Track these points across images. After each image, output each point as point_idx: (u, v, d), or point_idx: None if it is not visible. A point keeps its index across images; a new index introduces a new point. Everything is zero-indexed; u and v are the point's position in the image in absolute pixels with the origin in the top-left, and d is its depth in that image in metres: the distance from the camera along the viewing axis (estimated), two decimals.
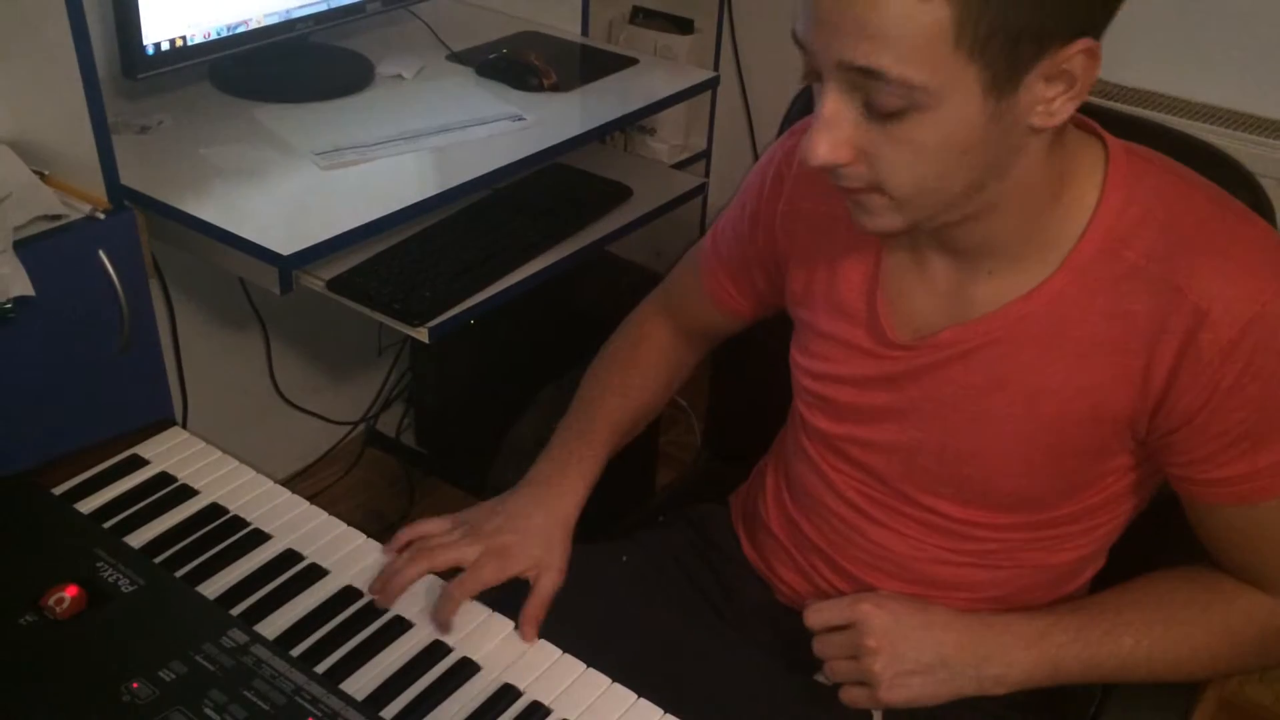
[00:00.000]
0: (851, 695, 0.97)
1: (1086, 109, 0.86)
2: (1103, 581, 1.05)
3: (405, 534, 1.05)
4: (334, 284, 1.44)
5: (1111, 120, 0.93)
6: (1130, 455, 0.94)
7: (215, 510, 1.04)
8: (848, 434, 1.04)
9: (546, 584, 1.03)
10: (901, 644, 0.94)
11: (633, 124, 2.15)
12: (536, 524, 1.07)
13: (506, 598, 1.00)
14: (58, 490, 1.04)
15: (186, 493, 1.06)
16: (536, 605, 0.99)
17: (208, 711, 0.82)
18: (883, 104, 0.77)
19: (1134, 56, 1.98)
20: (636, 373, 1.22)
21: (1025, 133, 0.81)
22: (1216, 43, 1.94)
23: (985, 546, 1.01)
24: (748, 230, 1.12)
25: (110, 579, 0.92)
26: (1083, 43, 0.76)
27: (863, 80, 0.77)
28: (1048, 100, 0.79)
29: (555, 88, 1.79)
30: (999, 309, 0.91)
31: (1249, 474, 0.88)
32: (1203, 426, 0.86)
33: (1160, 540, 0.97)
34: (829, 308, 1.03)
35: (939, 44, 0.74)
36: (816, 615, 0.98)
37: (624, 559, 1.19)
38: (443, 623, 0.95)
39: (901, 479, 1.02)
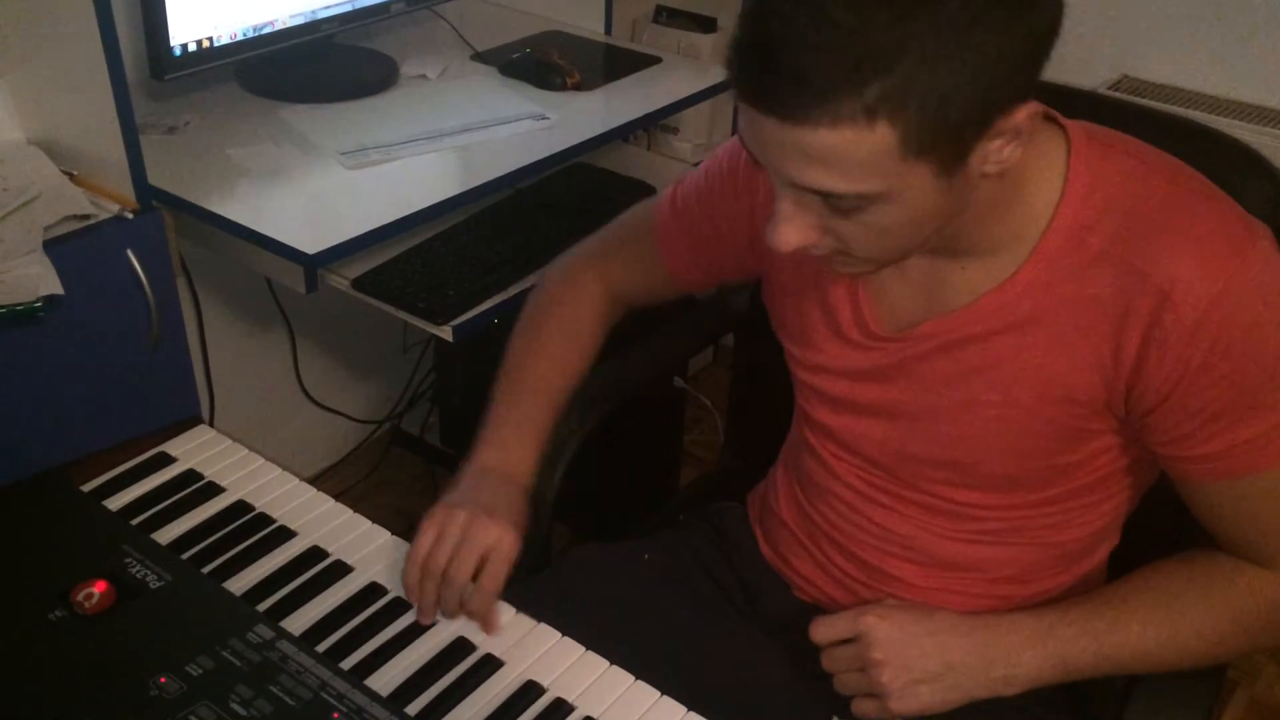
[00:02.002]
0: (863, 708, 0.97)
1: (1104, 103, 0.85)
2: (1122, 560, 1.05)
3: (411, 577, 0.98)
4: (359, 283, 1.45)
5: (1134, 116, 0.92)
6: (1116, 435, 0.94)
7: (241, 507, 1.05)
8: (845, 425, 1.05)
9: (509, 549, 0.99)
10: (908, 653, 0.94)
11: (656, 123, 2.15)
12: (510, 498, 1.04)
13: (530, 596, 1.00)
14: (86, 487, 1.05)
15: (213, 490, 1.07)
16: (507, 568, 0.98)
17: (234, 706, 0.83)
18: (840, 205, 0.80)
19: (1158, 52, 1.96)
20: (574, 342, 1.19)
21: (978, 180, 0.82)
22: (1241, 38, 1.92)
23: (987, 525, 1.02)
24: (722, 204, 1.11)
25: (138, 575, 0.93)
26: (1024, 108, 0.77)
27: (816, 192, 0.79)
28: (996, 151, 0.79)
29: (578, 87, 1.79)
30: (974, 301, 0.92)
31: (1228, 449, 0.88)
32: (1177, 405, 0.87)
33: (1180, 519, 0.97)
34: (817, 301, 1.03)
35: (886, 159, 0.75)
36: (821, 630, 0.98)
37: (646, 557, 1.19)
38: (492, 624, 0.95)
39: (897, 465, 1.03)
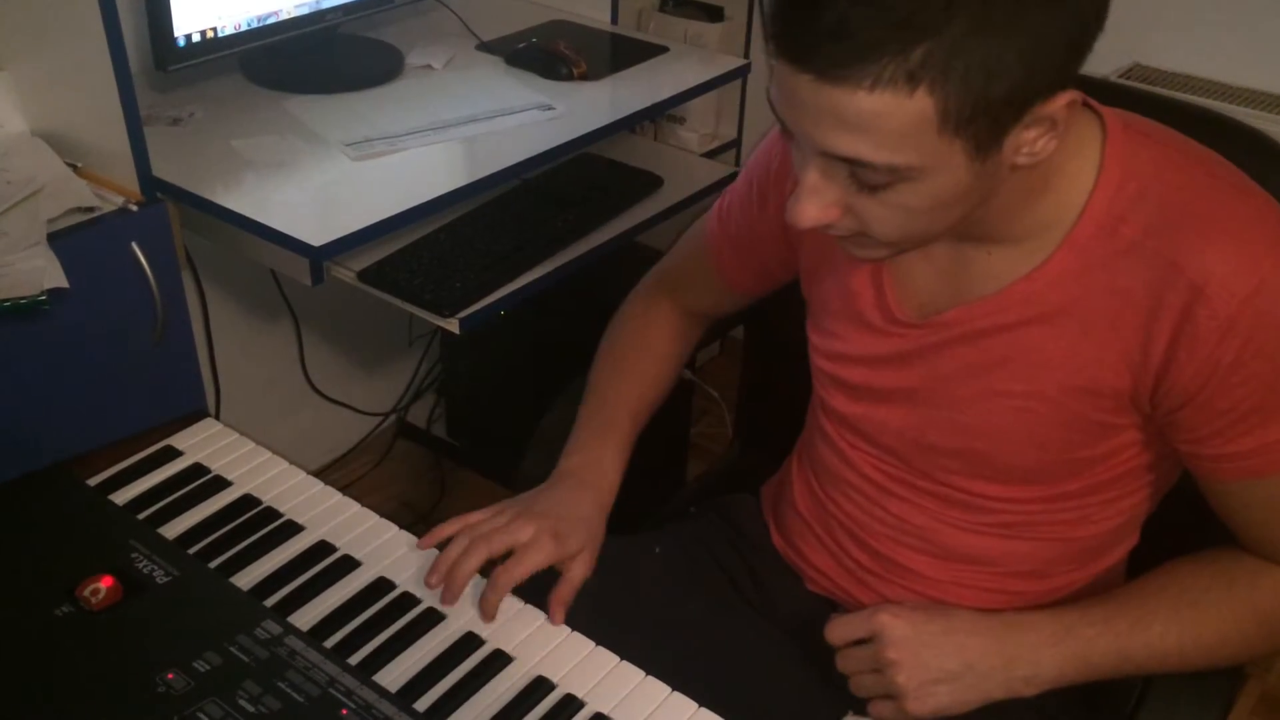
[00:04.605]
0: (880, 710, 0.95)
1: (1115, 91, 0.85)
2: (1140, 560, 1.04)
3: (447, 527, 1.02)
4: (365, 275, 1.44)
5: (1146, 104, 0.91)
6: (1139, 431, 0.93)
7: (248, 501, 1.05)
8: (863, 413, 1.05)
9: (580, 570, 1.02)
10: (924, 652, 0.93)
11: (663, 113, 2.14)
12: (583, 512, 1.06)
13: (540, 589, 1.00)
14: (92, 481, 1.04)
15: (220, 484, 1.06)
16: (568, 590, 0.99)
17: (242, 703, 0.82)
18: (867, 180, 0.78)
19: (1169, 39, 1.95)
20: (650, 356, 1.22)
21: (1007, 171, 0.81)
22: (1255, 24, 1.91)
23: (1003, 519, 1.01)
24: (757, 208, 1.11)
25: (145, 570, 0.93)
26: (1064, 96, 0.76)
27: (845, 161, 0.77)
28: (1030, 142, 0.79)
29: (585, 77, 1.78)
30: (1002, 290, 0.91)
31: (1258, 448, 0.87)
32: (1206, 403, 0.86)
33: (1200, 519, 0.96)
34: (840, 287, 1.03)
35: (923, 131, 0.74)
36: (836, 630, 0.97)
37: (656, 550, 1.18)
38: (490, 610, 0.95)
39: (914, 455, 1.02)
